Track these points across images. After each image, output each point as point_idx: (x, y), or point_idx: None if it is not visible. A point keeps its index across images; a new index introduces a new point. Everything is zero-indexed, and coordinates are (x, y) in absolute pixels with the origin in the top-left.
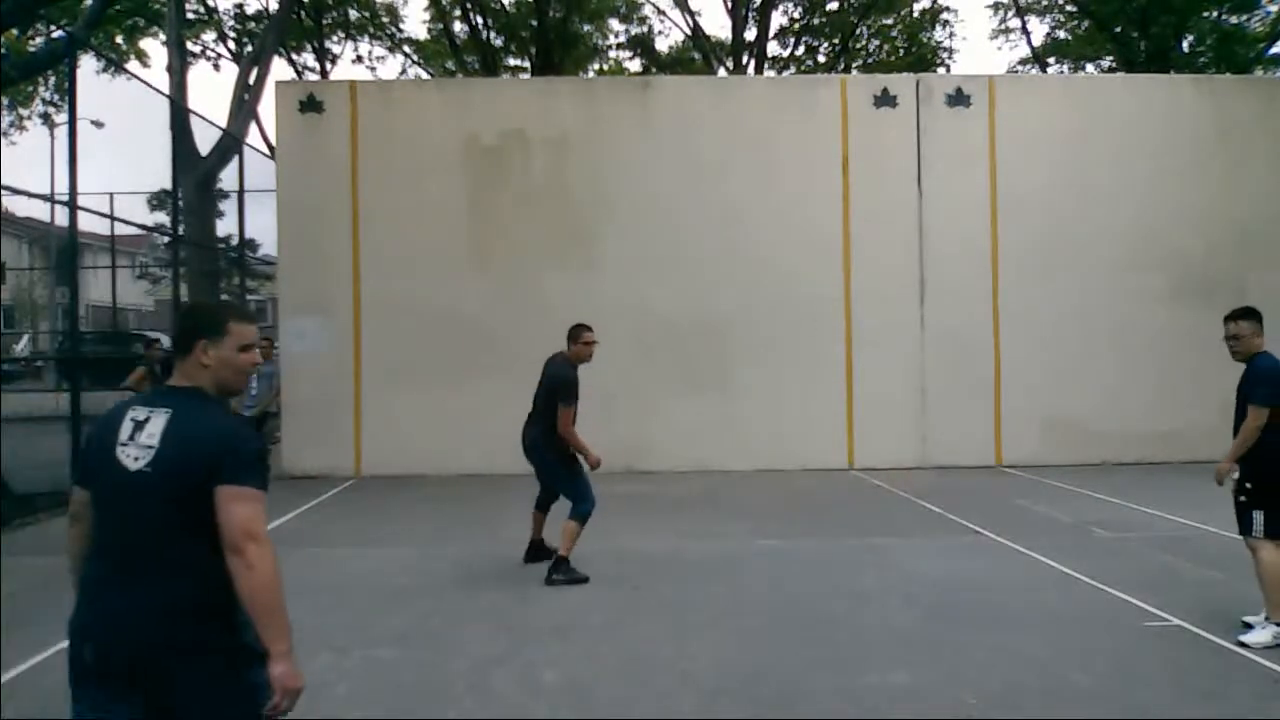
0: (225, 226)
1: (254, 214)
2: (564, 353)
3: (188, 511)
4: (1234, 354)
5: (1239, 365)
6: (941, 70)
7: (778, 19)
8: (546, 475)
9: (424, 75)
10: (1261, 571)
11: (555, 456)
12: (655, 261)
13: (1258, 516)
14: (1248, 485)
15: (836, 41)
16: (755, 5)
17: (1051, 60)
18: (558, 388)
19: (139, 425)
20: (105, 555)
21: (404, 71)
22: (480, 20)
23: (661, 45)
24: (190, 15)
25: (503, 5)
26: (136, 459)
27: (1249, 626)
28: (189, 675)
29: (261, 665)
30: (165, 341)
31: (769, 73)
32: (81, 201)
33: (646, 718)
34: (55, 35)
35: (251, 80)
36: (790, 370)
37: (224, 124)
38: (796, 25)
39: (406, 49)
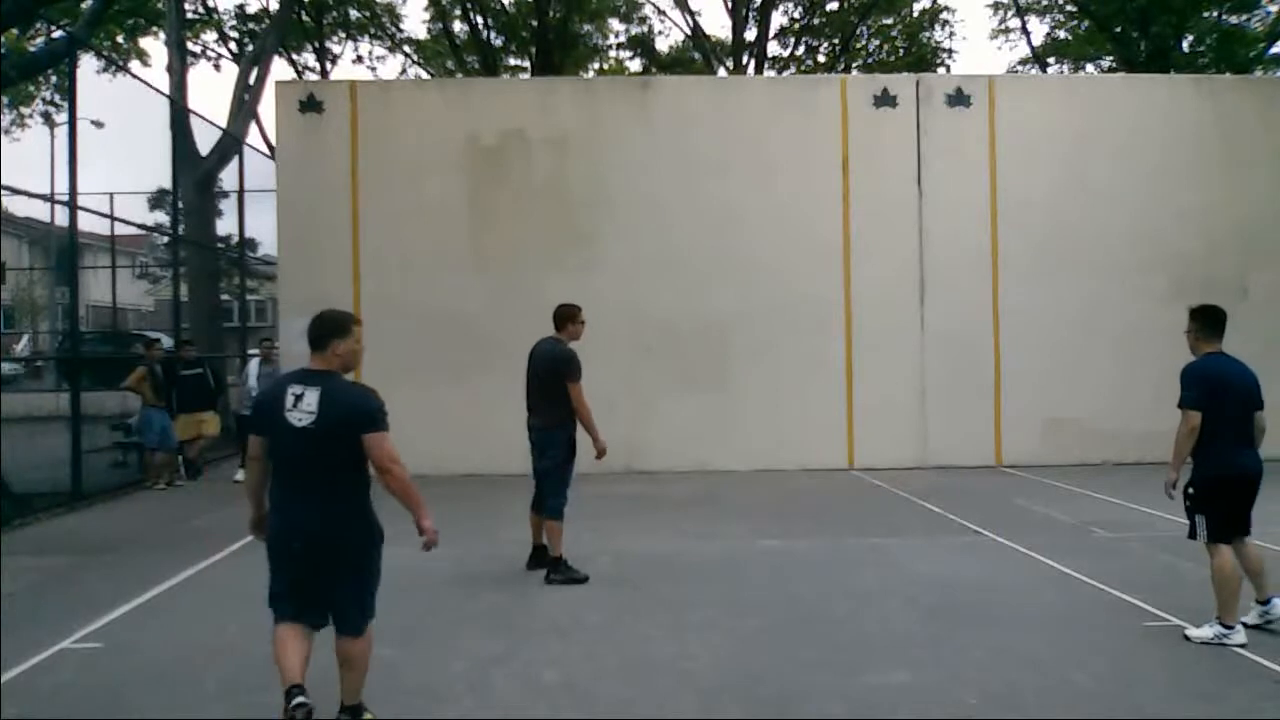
0: (225, 226)
1: (254, 214)
2: (553, 335)
3: (341, 452)
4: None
5: None
6: (941, 70)
7: (778, 19)
8: (544, 459)
9: (424, 75)
10: (1212, 573)
11: (561, 445)
12: (655, 261)
13: (1200, 521)
14: (1190, 490)
15: (836, 41)
16: (755, 5)
17: (1051, 60)
18: (561, 365)
19: (298, 398)
20: (285, 483)
21: (404, 71)
22: (480, 20)
23: (661, 45)
24: (190, 15)
25: (503, 5)
26: (301, 420)
27: (1245, 627)
28: (350, 548)
29: (382, 542)
30: (166, 342)
31: (769, 73)
32: (81, 201)
33: (646, 718)
34: (55, 35)
35: (251, 80)
36: (790, 370)
37: (224, 124)
38: (796, 25)
39: (406, 49)
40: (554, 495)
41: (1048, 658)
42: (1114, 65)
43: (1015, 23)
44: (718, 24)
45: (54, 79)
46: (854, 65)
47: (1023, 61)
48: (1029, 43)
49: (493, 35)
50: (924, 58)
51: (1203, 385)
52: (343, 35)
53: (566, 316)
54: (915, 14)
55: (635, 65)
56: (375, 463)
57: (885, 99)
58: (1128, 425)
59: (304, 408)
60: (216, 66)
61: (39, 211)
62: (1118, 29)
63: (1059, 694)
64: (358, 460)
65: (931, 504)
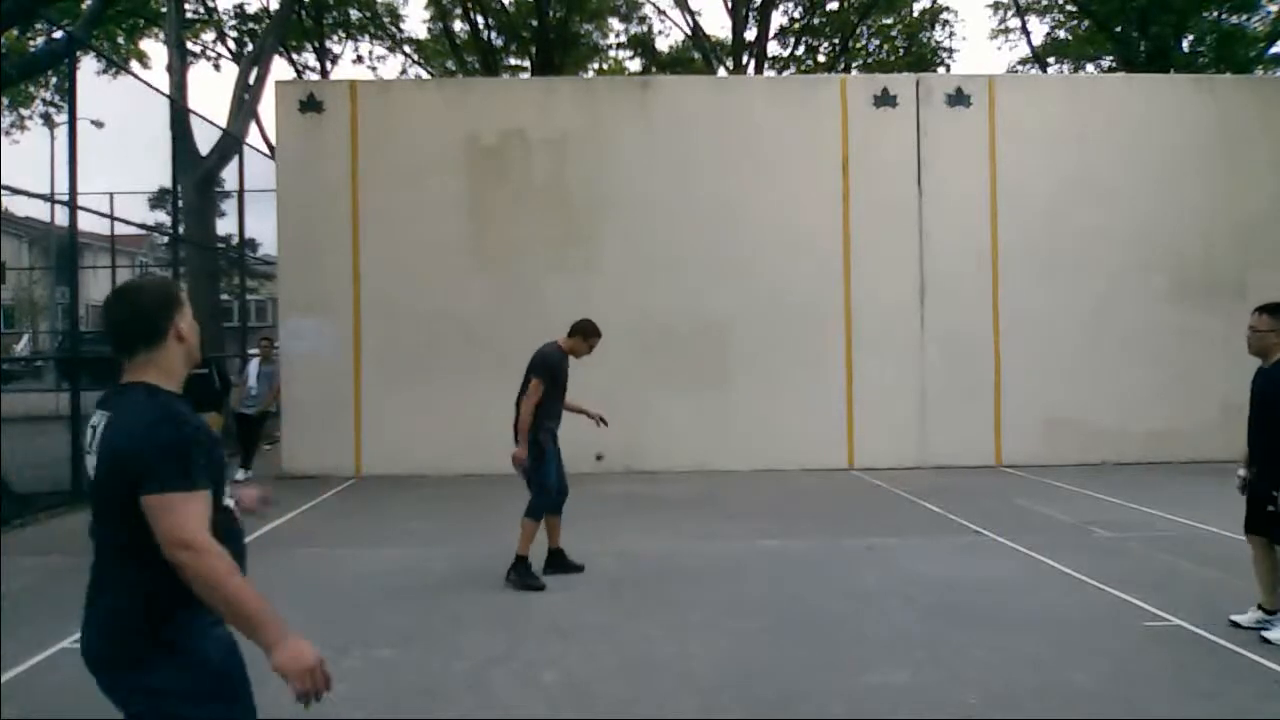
0: (225, 226)
1: (254, 214)
2: (557, 341)
3: (116, 518)
4: (1248, 345)
5: (1239, 364)
6: (941, 70)
7: (778, 19)
8: (528, 460)
9: (424, 75)
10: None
11: (530, 447)
12: (655, 262)
13: None
14: (1276, 494)
15: (836, 41)
16: (755, 5)
17: (1051, 60)
18: (533, 364)
19: (93, 431)
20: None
21: (404, 71)
22: (480, 20)
23: (661, 45)
24: (190, 15)
25: (503, 5)
26: (91, 465)
27: (1239, 627)
28: (129, 681)
29: (213, 690)
30: None
31: (769, 73)
32: (81, 201)
33: (646, 718)
34: (55, 35)
35: (251, 80)
36: (790, 370)
37: (224, 124)
38: (796, 25)
39: (407, 49)
40: (534, 495)
41: (1048, 658)
42: (1114, 65)
43: (1015, 23)
44: (718, 24)
45: (54, 79)
46: (854, 65)
47: (1023, 61)
48: (1029, 43)
49: (493, 35)
50: (924, 58)
51: None
52: (343, 35)
53: (574, 329)
54: (915, 14)
55: (635, 65)
56: (160, 541)
57: (885, 99)
58: (1128, 425)
59: (94, 446)
60: (216, 66)
61: (39, 211)
62: (1118, 29)
63: (1059, 694)
64: (135, 532)
65: (931, 504)
